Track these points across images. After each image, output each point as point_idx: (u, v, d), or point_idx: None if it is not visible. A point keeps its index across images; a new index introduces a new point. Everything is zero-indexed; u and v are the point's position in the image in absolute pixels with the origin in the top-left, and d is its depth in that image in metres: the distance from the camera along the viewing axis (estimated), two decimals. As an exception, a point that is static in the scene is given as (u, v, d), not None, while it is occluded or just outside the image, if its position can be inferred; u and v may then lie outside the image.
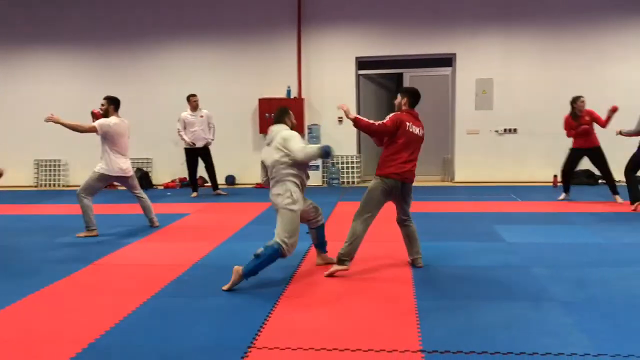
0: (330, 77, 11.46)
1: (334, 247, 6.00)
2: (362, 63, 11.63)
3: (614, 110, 8.29)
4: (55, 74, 12.02)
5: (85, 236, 6.77)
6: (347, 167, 11.59)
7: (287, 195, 4.73)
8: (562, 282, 4.67)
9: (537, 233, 6.58)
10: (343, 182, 11.54)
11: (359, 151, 11.76)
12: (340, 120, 11.55)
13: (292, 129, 4.98)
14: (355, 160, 11.61)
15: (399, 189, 5.12)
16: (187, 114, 9.83)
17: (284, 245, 4.63)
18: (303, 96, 11.49)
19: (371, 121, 5.06)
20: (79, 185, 12.18)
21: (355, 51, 11.43)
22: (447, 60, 11.48)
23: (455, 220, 7.53)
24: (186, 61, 11.68)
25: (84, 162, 11.98)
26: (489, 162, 11.34)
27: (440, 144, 11.67)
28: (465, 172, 11.47)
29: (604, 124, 8.46)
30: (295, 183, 4.80)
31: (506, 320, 3.85)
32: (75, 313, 4.15)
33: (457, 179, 11.52)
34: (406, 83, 11.67)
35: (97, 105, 11.68)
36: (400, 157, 5.04)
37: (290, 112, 5.08)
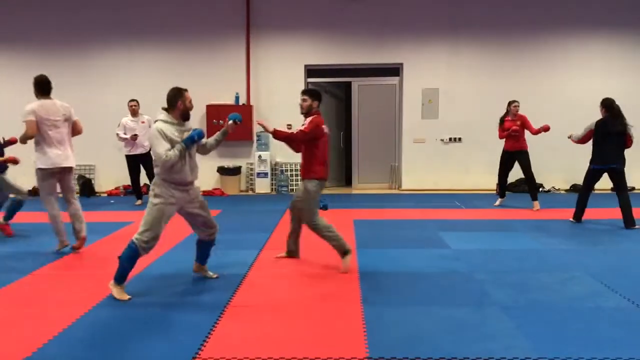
0: (279, 84, 11.46)
1: (297, 256, 5.96)
2: (311, 71, 11.68)
3: (546, 129, 8.71)
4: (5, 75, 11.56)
5: (60, 249, 6.18)
6: (296, 175, 11.59)
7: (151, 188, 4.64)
8: (504, 287, 4.79)
9: (481, 240, 6.74)
10: (292, 190, 11.52)
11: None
12: (289, 128, 11.53)
13: (184, 112, 4.63)
14: (304, 168, 11.62)
15: (323, 187, 5.50)
16: (127, 119, 9.62)
17: (135, 241, 4.48)
18: (252, 103, 11.44)
19: (289, 131, 5.33)
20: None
21: (304, 59, 11.47)
22: (394, 70, 11.66)
23: (401, 227, 7.63)
24: (131, 65, 11.46)
25: (22, 170, 11.57)
26: (435, 170, 11.56)
27: (387, 152, 11.83)
28: (411, 179, 11.66)
29: (533, 132, 8.85)
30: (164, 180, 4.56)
31: (451, 326, 3.92)
32: (12, 326, 3.98)
33: (404, 186, 11.69)
34: (355, 92, 11.81)
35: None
36: (323, 158, 5.37)
37: (183, 93, 4.65)
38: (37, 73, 11.55)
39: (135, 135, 9.38)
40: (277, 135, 5.23)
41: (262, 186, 11.34)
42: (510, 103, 9.12)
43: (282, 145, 11.25)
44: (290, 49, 11.43)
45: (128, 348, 3.58)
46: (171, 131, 4.55)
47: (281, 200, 10.30)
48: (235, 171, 11.40)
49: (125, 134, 9.52)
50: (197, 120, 11.37)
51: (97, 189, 11.47)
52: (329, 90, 12.15)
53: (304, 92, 5.46)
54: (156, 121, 4.63)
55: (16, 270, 5.41)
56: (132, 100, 9.67)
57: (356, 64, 11.54)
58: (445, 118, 11.50)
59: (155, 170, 4.60)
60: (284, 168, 11.52)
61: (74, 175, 6.44)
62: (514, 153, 9.01)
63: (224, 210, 9.02)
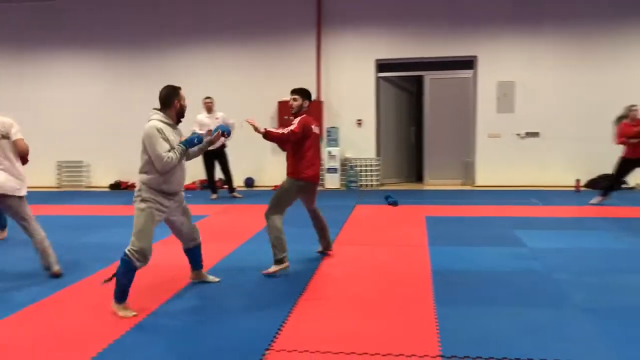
0: (349, 79, 11.45)
1: (354, 251, 5.99)
2: (382, 65, 11.60)
3: None
4: (77, 77, 12.16)
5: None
6: (366, 170, 11.55)
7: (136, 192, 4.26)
8: (584, 288, 4.59)
9: (559, 238, 6.48)
10: (361, 185, 11.50)
11: (378, 154, 11.72)
12: (359, 123, 11.53)
13: (180, 112, 4.39)
14: (374, 163, 11.57)
15: (310, 188, 5.36)
16: (202, 116, 9.87)
17: (128, 253, 4.10)
18: (322, 98, 11.49)
19: (280, 131, 5.18)
20: (101, 187, 12.33)
21: (375, 53, 11.40)
22: (468, 63, 11.39)
23: (475, 224, 7.45)
24: (207, 63, 11.76)
25: (106, 164, 12.17)
26: (511, 165, 11.21)
27: (460, 148, 11.58)
28: (486, 175, 11.37)
29: None
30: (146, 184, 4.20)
31: (526, 327, 3.79)
32: (97, 312, 4.18)
33: (478, 182, 11.41)
34: (426, 85, 11.63)
35: (118, 105, 11.92)
36: (312, 159, 5.25)
37: (178, 92, 4.38)
38: (121, 72, 12.16)
39: (210, 130, 9.60)
40: (269, 136, 5.01)
41: (332, 181, 11.37)
42: (629, 108, 8.49)
43: (353, 141, 11.41)
44: (361, 43, 11.39)
45: (201, 338, 3.69)
46: (168, 132, 4.23)
47: (350, 196, 10.30)
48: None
49: (200, 130, 9.77)
50: (268, 116, 11.55)
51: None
52: (400, 85, 12.03)
53: (293, 92, 5.30)
54: (150, 120, 4.28)
55: (101, 260, 5.68)
56: (207, 97, 9.92)
57: (428, 57, 11.35)
58: (522, 112, 11.13)
59: (142, 177, 4.19)
60: (353, 163, 11.50)
61: (24, 202, 5.14)
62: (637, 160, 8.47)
63: (294, 205, 9.09)
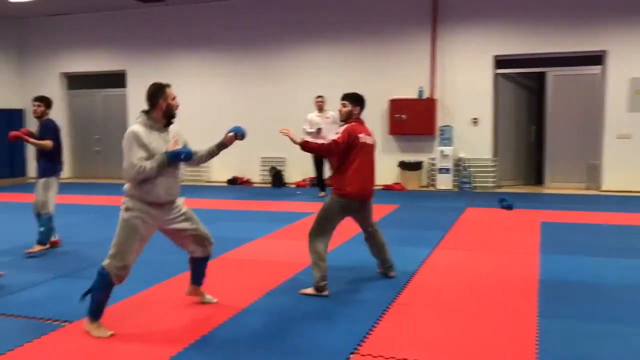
0: (465, 76, 11.04)
1: (457, 256, 5.75)
2: (501, 62, 11.06)
3: None
4: (197, 76, 12.78)
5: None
6: (481, 171, 11.09)
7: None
8: None
9: (694, 252, 5.81)
10: (475, 187, 11.06)
11: (494, 154, 11.21)
12: (474, 122, 11.09)
13: (168, 112, 3.90)
14: (489, 164, 11.08)
15: (356, 206, 4.74)
16: (313, 114, 9.96)
17: (106, 267, 3.72)
18: (435, 96, 11.19)
19: (319, 141, 4.75)
20: (219, 182, 12.91)
21: (492, 49, 10.90)
22: (596, 58, 10.53)
23: (598, 232, 6.88)
24: (318, 62, 11.87)
25: (224, 160, 12.67)
26: (643, 169, 10.26)
27: (585, 149, 10.76)
28: (614, 179, 10.47)
29: None
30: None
31: (637, 350, 3.41)
32: (193, 306, 4.34)
33: (604, 187, 10.55)
34: (549, 83, 10.93)
35: (239, 104, 12.40)
36: (360, 173, 4.65)
37: (164, 90, 3.89)
38: (242, 71, 12.60)
39: (320, 129, 9.71)
40: (307, 147, 4.56)
41: (444, 182, 11.03)
42: None
43: (467, 140, 11.00)
44: (478, 39, 10.94)
45: (290, 336, 3.70)
46: (148, 136, 3.78)
47: (463, 198, 9.94)
48: (416, 166, 11.26)
49: (310, 128, 9.90)
50: (379, 114, 11.44)
51: (286, 180, 12.12)
52: (520, 82, 11.42)
53: (344, 97, 4.85)
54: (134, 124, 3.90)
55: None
56: (319, 96, 10.01)
57: (551, 53, 10.65)
58: (658, 111, 10.13)
59: (125, 186, 3.87)
60: (467, 164, 11.08)
61: None
62: None
63: (401, 206, 8.96)
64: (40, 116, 6.34)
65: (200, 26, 12.60)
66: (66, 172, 13.96)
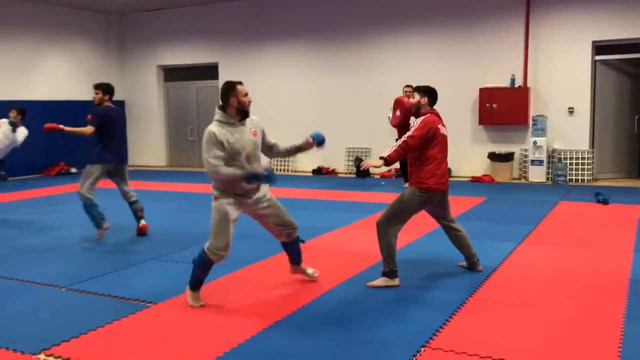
0: (561, 63, 10.51)
1: (544, 251, 5.54)
2: (600, 47, 10.44)
3: None
4: (286, 68, 12.99)
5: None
6: (577, 163, 10.54)
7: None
8: None
9: None
10: (571, 180, 10.53)
11: (591, 146, 10.62)
12: (571, 111, 10.56)
13: (240, 109, 4.12)
14: (586, 156, 10.51)
15: (435, 199, 4.65)
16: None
17: (206, 251, 4.07)
18: (529, 85, 10.74)
19: (397, 145, 4.49)
20: (305, 171, 13.10)
21: (592, 34, 10.29)
22: None
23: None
24: (406, 50, 11.71)
25: (310, 151, 12.87)
26: None
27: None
28: None
29: None
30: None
31: None
32: (273, 290, 4.48)
33: None
34: (655, 69, 10.20)
35: (323, 94, 12.51)
36: (438, 165, 4.56)
37: (235, 87, 4.10)
38: (329, 62, 12.68)
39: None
40: (390, 160, 4.45)
41: (537, 174, 10.58)
42: None
43: (562, 130, 10.51)
44: (576, 24, 10.36)
45: (362, 325, 3.73)
46: (224, 133, 4.03)
47: (556, 191, 9.50)
48: (508, 157, 10.87)
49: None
50: (469, 104, 11.16)
51: (371, 170, 12.10)
52: (622, 69, 10.72)
53: (414, 89, 4.81)
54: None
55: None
56: (407, 85, 9.89)
57: (657, 37, 9.94)
58: None
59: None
60: (562, 156, 10.57)
61: None
62: None
63: (489, 198, 8.71)
64: (99, 103, 6.30)
65: (288, 18, 12.80)
66: (162, 161, 14.76)
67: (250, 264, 5.22)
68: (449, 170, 11.23)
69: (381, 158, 4.46)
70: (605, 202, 8.13)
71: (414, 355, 3.26)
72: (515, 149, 10.98)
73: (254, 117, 4.27)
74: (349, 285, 4.58)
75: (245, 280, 4.78)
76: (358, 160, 12.01)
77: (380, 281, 4.54)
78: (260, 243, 6.05)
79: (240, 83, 4.13)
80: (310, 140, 4.39)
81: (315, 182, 11.34)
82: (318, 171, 12.58)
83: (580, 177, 10.51)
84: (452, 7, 11.24)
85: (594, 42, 10.36)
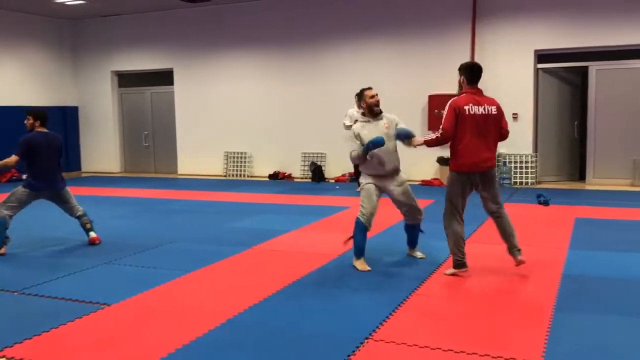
0: (505, 71, 10.97)
1: (485, 250, 5.82)
2: (542, 56, 10.94)
3: None
4: (241, 74, 13.10)
5: None
6: (521, 167, 11.01)
7: None
8: None
9: None
10: (515, 183, 10.99)
11: (535, 150, 11.11)
12: (515, 117, 11.02)
13: (368, 109, 5.27)
14: (530, 160, 10.99)
15: (476, 180, 4.76)
16: (354, 110, 10.10)
17: (359, 217, 5.11)
18: (475, 92, 11.15)
19: (433, 136, 4.79)
20: (261, 177, 13.18)
21: (534, 43, 10.79)
22: (641, 52, 10.32)
23: (633, 229, 6.80)
24: (358, 58, 11.99)
25: (267, 155, 13.03)
26: (691, 165, 9.99)
27: (630, 145, 10.54)
28: (660, 176, 10.24)
29: None
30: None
31: (652, 343, 3.47)
32: (226, 290, 4.63)
33: (650, 183, 10.33)
34: (592, 77, 10.75)
35: (278, 101, 12.68)
36: (467, 145, 4.64)
37: (364, 93, 5.31)
38: (283, 69, 12.83)
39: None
40: (430, 144, 4.85)
41: (483, 177, 11.00)
42: None
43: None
44: (519, 33, 10.84)
45: (310, 322, 3.91)
46: (363, 128, 5.21)
47: (502, 193, 9.84)
48: (456, 161, 11.26)
49: (350, 123, 10.07)
50: (419, 110, 11.51)
51: (326, 175, 12.33)
52: (562, 76, 11.26)
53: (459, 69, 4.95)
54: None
55: (243, 244, 6.19)
56: (369, 88, 10.12)
57: (595, 47, 10.47)
58: None
59: None
60: (507, 160, 11.03)
61: None
62: None
63: (437, 201, 9.01)
64: (30, 129, 6.11)
65: (244, 24, 12.93)
66: (116, 167, 14.65)
67: (203, 267, 5.33)
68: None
69: (424, 141, 4.89)
70: (546, 203, 8.55)
71: (357, 347, 3.46)
72: (464, 153, 11.37)
73: (389, 115, 5.33)
74: (299, 285, 4.76)
75: (198, 283, 4.90)
76: (314, 165, 12.21)
77: (453, 269, 4.91)
78: (215, 246, 6.18)
79: (368, 88, 5.38)
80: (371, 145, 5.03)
81: (271, 186, 11.49)
82: (274, 176, 12.73)
83: (524, 180, 10.98)
84: (403, 16, 11.58)
85: (536, 51, 10.85)
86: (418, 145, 5.01)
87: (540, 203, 8.61)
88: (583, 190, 10.36)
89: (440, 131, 4.74)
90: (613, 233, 6.56)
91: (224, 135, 13.38)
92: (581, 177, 11.37)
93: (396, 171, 5.23)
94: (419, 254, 5.56)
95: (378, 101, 5.24)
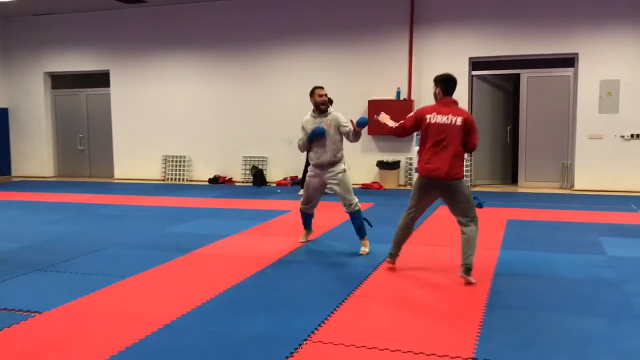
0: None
1: (420, 251, 5.95)
2: (476, 64, 11.33)
3: None
4: (180, 76, 12.93)
5: None
6: (457, 170, 11.32)
7: None
8: (655, 301, 4.32)
9: (647, 247, 6.08)
10: (452, 186, 11.29)
11: (469, 154, 11.45)
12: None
13: (315, 106, 5.99)
14: (465, 164, 11.33)
15: (437, 187, 4.84)
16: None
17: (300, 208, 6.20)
18: (413, 97, 11.43)
19: (395, 124, 5.08)
20: (201, 181, 13.03)
21: (468, 51, 11.16)
22: (568, 61, 10.83)
23: (559, 229, 7.14)
24: (301, 62, 12.07)
25: (207, 159, 12.89)
26: (613, 169, 10.55)
27: (559, 149, 11.05)
28: (586, 179, 10.77)
29: None
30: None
31: (575, 336, 3.66)
32: (163, 296, 4.56)
33: (577, 186, 10.84)
34: (523, 84, 11.21)
35: (218, 103, 12.57)
36: (426, 152, 4.81)
37: (315, 90, 5.96)
38: (221, 72, 12.73)
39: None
40: (391, 131, 5.17)
41: (421, 181, 11.27)
42: None
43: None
44: (454, 41, 11.19)
45: (249, 324, 3.91)
46: (310, 123, 5.97)
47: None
48: (394, 165, 11.50)
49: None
50: (359, 115, 11.62)
51: (268, 178, 12.32)
52: (495, 83, 11.68)
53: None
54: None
55: (181, 249, 6.11)
56: (319, 87, 10.17)
57: (525, 55, 10.94)
58: (628, 112, 10.42)
59: None
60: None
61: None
62: None
63: (376, 204, 9.20)
64: None
65: (182, 27, 12.77)
66: (49, 171, 14.15)
67: (140, 272, 5.23)
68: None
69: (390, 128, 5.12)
70: (479, 205, 8.83)
71: (296, 349, 3.49)
72: (401, 157, 11.63)
73: (334, 113, 5.96)
74: (238, 288, 4.74)
75: (135, 288, 4.81)
76: (255, 169, 12.17)
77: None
78: (151, 252, 6.08)
79: (318, 87, 6.06)
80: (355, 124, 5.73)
81: (212, 191, 11.38)
82: (214, 180, 12.61)
83: (460, 184, 11.29)
84: (344, 21, 11.72)
85: (470, 58, 11.22)
86: (383, 120, 5.24)
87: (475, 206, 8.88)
88: (515, 193, 10.77)
89: (398, 123, 4.99)
90: (542, 234, 6.86)
91: (162, 138, 13.16)
92: (514, 180, 11.83)
93: (332, 163, 5.84)
94: (362, 248, 5.86)
95: (325, 101, 5.84)
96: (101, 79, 13.61)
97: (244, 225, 7.47)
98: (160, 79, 13.11)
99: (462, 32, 11.16)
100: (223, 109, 12.64)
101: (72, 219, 8.19)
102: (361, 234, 5.90)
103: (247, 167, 12.53)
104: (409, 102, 11.34)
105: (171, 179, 13.10)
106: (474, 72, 11.36)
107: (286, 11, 12.06)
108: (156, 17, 12.91)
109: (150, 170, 13.29)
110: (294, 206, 9.01)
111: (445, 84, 4.92)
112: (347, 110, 11.52)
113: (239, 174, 12.67)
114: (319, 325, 3.87)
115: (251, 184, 12.21)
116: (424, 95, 11.42)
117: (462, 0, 11.06)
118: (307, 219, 6.32)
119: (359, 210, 5.83)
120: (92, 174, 14.09)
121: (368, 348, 3.49)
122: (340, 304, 4.32)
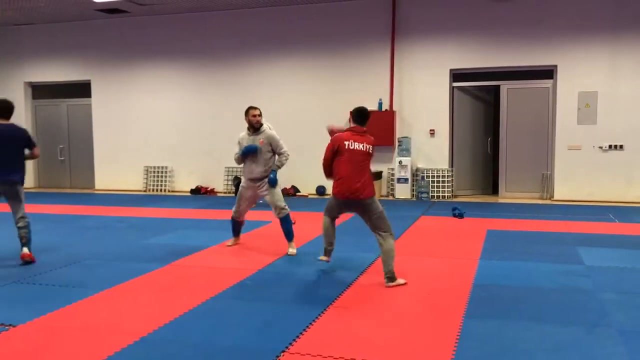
0: (423, 89, 11.39)
1: (400, 261, 5.97)
2: (457, 75, 11.45)
3: None
4: (162, 86, 12.91)
5: None
6: (438, 181, 11.42)
7: None
8: (630, 309, 4.37)
9: (623, 257, 6.15)
10: (433, 197, 11.38)
11: (451, 165, 11.55)
12: (432, 133, 11.44)
13: (249, 125, 6.50)
14: (446, 174, 11.42)
15: (350, 206, 5.30)
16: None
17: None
18: (394, 108, 11.51)
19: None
20: (183, 191, 12.94)
21: (449, 63, 11.28)
22: (547, 72, 10.99)
23: (538, 239, 7.20)
24: (283, 74, 12.10)
25: (189, 170, 12.84)
26: (591, 180, 10.69)
27: (538, 160, 11.18)
28: (565, 189, 10.90)
29: None
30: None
31: (551, 345, 3.69)
32: (140, 308, 4.52)
33: (556, 196, 10.96)
34: (503, 96, 11.35)
35: (199, 115, 12.54)
36: (341, 175, 5.17)
37: (249, 110, 6.46)
38: (201, 84, 12.72)
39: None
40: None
41: (402, 192, 11.33)
42: None
43: (424, 151, 11.33)
44: (436, 53, 11.30)
45: (227, 336, 3.89)
46: (245, 139, 6.47)
47: (419, 207, 10.23)
48: (376, 176, 11.52)
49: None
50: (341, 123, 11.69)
51: (250, 189, 12.27)
52: (476, 95, 11.81)
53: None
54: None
55: (160, 260, 6.07)
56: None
57: (505, 67, 11.08)
58: (605, 123, 10.58)
59: None
60: (425, 174, 11.41)
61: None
62: None
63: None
64: None
65: (164, 37, 12.76)
66: (29, 182, 13.94)
67: (118, 284, 5.19)
68: (322, 187, 11.68)
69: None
70: (460, 216, 8.90)
71: (273, 360, 3.48)
72: (384, 168, 11.68)
73: (267, 132, 6.39)
74: (216, 300, 4.72)
75: (112, 301, 4.76)
76: (237, 180, 12.12)
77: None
78: (130, 263, 6.04)
79: (252, 107, 6.49)
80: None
81: (193, 201, 11.33)
82: (196, 191, 12.56)
83: (441, 194, 11.38)
84: (326, 34, 11.79)
85: (451, 70, 11.33)
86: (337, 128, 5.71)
87: (455, 216, 8.96)
88: (496, 204, 10.86)
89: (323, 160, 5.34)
90: (521, 244, 6.92)
91: (144, 149, 13.09)
92: (494, 191, 11.93)
93: (264, 177, 6.35)
94: (290, 250, 6.35)
95: (258, 120, 6.35)
96: (82, 89, 13.53)
97: (224, 237, 7.43)
98: (141, 89, 13.06)
99: (443, 44, 11.28)
100: (205, 119, 12.62)
101: (52, 230, 8.10)
102: (289, 237, 6.40)
103: (229, 177, 12.49)
104: (390, 113, 11.41)
105: (153, 190, 13.02)
106: (455, 84, 11.47)
107: (269, 22, 12.11)
108: (138, 28, 12.89)
109: (132, 181, 13.21)
110: (274, 217, 9.00)
111: (358, 115, 5.48)
112: (330, 120, 11.58)
113: (221, 184, 12.63)
114: (298, 336, 3.86)
115: (233, 195, 12.15)
116: (405, 107, 11.51)
117: (443, 13, 11.19)
118: (236, 226, 6.79)
119: (287, 215, 6.36)
120: (72, 184, 13.96)
121: (346, 359, 3.49)
122: (319, 315, 4.31)
